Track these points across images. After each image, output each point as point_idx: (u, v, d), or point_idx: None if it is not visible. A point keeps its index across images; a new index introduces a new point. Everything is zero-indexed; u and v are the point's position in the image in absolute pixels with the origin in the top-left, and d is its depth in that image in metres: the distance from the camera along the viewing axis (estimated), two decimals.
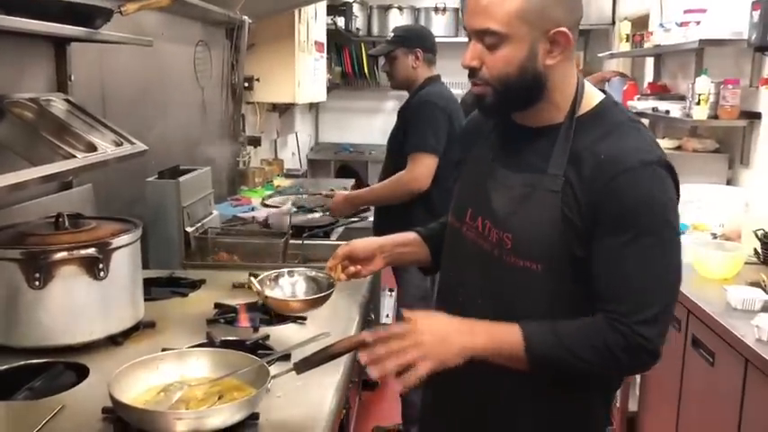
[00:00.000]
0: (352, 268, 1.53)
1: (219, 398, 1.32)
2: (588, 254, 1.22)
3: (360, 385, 3.10)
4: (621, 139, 1.23)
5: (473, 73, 1.26)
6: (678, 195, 1.26)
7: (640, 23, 4.53)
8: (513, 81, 1.24)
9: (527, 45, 1.22)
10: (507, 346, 1.21)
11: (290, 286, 1.65)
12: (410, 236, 1.59)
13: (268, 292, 1.60)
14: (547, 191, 1.24)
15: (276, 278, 1.66)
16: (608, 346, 1.18)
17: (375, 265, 1.54)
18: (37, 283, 1.52)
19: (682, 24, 3.53)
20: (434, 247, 1.54)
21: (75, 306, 1.57)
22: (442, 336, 1.20)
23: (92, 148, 1.75)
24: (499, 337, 1.22)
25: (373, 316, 2.97)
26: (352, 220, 3.14)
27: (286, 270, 1.69)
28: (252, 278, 1.63)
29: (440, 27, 6.57)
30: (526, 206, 1.26)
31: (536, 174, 1.26)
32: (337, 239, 2.85)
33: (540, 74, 1.24)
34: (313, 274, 1.66)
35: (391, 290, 4.17)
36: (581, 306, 1.23)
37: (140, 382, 1.35)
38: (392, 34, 3.09)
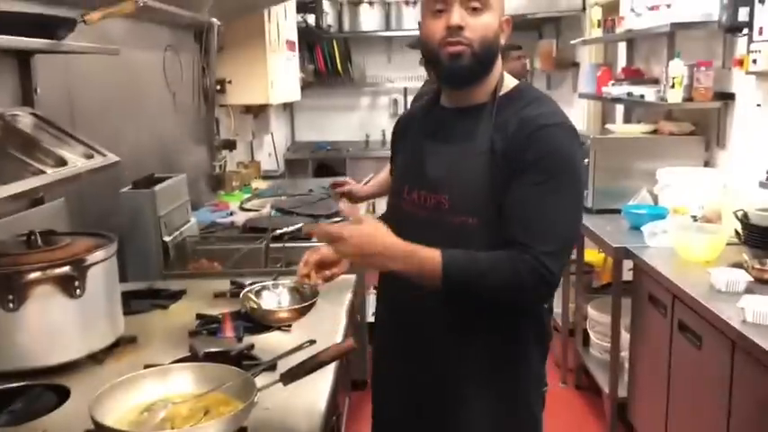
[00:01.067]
0: (327, 272, 1.57)
1: (205, 414, 1.28)
2: None
3: (348, 386, 3.08)
4: (540, 106, 1.45)
5: (455, 33, 1.41)
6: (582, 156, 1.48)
7: (611, 8, 4.52)
8: (488, 45, 1.43)
9: (497, 19, 1.45)
10: (427, 262, 1.35)
11: (275, 297, 1.64)
12: None
13: (257, 304, 1.62)
14: (475, 153, 1.43)
15: (259, 291, 1.66)
16: (516, 270, 1.34)
17: (343, 266, 1.60)
18: (11, 304, 1.48)
19: (652, 8, 3.53)
20: None
21: (52, 326, 1.53)
22: (367, 252, 1.35)
23: (62, 162, 1.71)
24: (418, 254, 1.35)
25: (359, 318, 2.95)
26: (334, 219, 3.10)
27: (270, 283, 1.71)
28: (246, 294, 1.65)
29: (411, 20, 6.55)
30: (457, 170, 1.44)
31: (465, 143, 1.46)
32: (318, 241, 2.82)
33: (498, 49, 1.46)
34: (294, 284, 1.67)
35: (376, 287, 4.15)
36: None
37: (123, 402, 1.31)
38: None
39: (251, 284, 1.72)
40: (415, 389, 1.53)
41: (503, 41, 1.47)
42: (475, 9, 1.41)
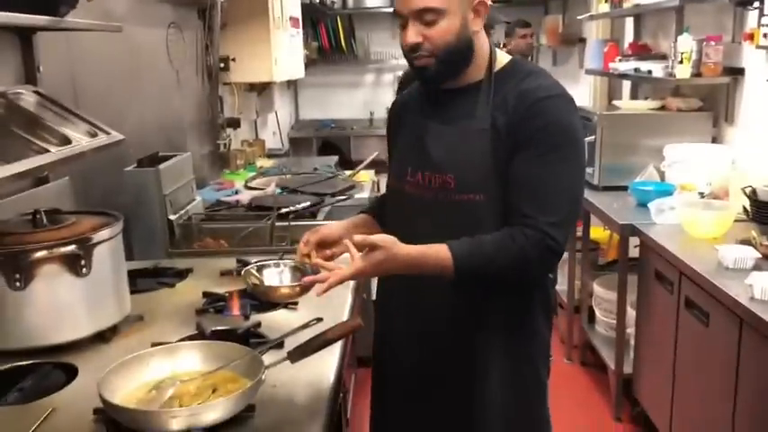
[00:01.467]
0: (328, 251, 1.58)
1: (213, 391, 1.29)
2: None
3: (355, 363, 3.09)
4: (537, 79, 1.47)
5: (414, 49, 1.43)
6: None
7: None
8: (452, 49, 1.43)
9: (460, 16, 1.43)
10: (438, 266, 1.37)
11: (276, 275, 1.64)
12: (364, 217, 1.72)
13: (259, 280, 1.61)
14: (477, 131, 1.44)
15: (260, 269, 1.65)
16: (521, 246, 1.36)
17: (343, 246, 1.59)
18: (18, 283, 1.48)
19: None
20: (382, 223, 1.67)
21: (59, 305, 1.53)
22: (385, 271, 1.38)
23: (66, 140, 1.70)
24: (431, 262, 1.37)
25: (365, 296, 2.96)
26: (339, 198, 3.09)
27: (272, 261, 1.70)
28: (248, 270, 1.64)
29: None
30: (461, 149, 1.45)
31: (465, 121, 1.46)
32: (324, 219, 2.81)
33: (470, 40, 1.46)
34: (296, 264, 1.64)
35: None
36: None
37: (131, 379, 1.32)
38: None
39: (256, 263, 1.72)
40: (429, 362, 1.54)
41: (477, 27, 1.46)
42: (429, 21, 1.41)
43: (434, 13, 1.40)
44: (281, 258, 1.74)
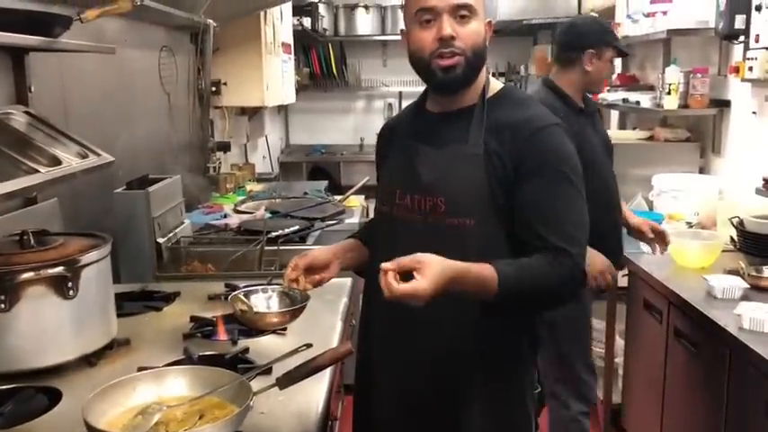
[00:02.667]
0: (316, 276, 1.57)
1: (200, 417, 1.27)
2: (510, 203, 1.41)
3: (342, 390, 3.06)
4: (530, 108, 1.49)
5: (448, 44, 1.41)
6: None
7: (607, 15, 4.52)
8: (480, 52, 1.44)
9: (483, 24, 1.45)
10: (481, 284, 1.33)
11: (264, 300, 1.62)
12: (352, 242, 1.70)
13: (248, 306, 1.59)
14: (470, 155, 1.43)
15: (248, 294, 1.63)
16: (559, 274, 1.36)
17: (332, 271, 1.60)
18: (3, 305, 1.45)
19: (648, 15, 3.54)
20: (369, 248, 1.65)
21: (44, 327, 1.51)
22: (442, 289, 1.29)
23: (56, 161, 1.69)
24: (473, 278, 1.33)
25: (354, 322, 2.93)
26: (329, 222, 3.09)
27: (260, 287, 1.67)
28: (235, 296, 1.61)
29: None
30: (453, 172, 1.44)
31: (458, 145, 1.45)
32: (313, 243, 2.80)
33: (485, 53, 1.47)
34: (284, 289, 1.62)
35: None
36: (504, 255, 1.40)
37: (116, 405, 1.29)
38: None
39: (244, 288, 1.70)
40: (413, 390, 1.52)
41: (486, 44, 1.48)
42: (463, 17, 1.41)
43: (469, 10, 1.41)
44: (269, 283, 1.72)
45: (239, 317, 1.61)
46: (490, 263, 1.35)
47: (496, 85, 1.54)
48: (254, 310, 1.60)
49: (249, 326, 1.69)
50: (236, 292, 1.65)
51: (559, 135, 1.45)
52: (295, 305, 1.60)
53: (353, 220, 3.27)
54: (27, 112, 1.85)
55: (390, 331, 1.54)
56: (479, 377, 1.48)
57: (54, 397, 1.46)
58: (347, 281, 2.20)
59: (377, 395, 1.60)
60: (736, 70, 2.97)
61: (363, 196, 3.79)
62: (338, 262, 1.62)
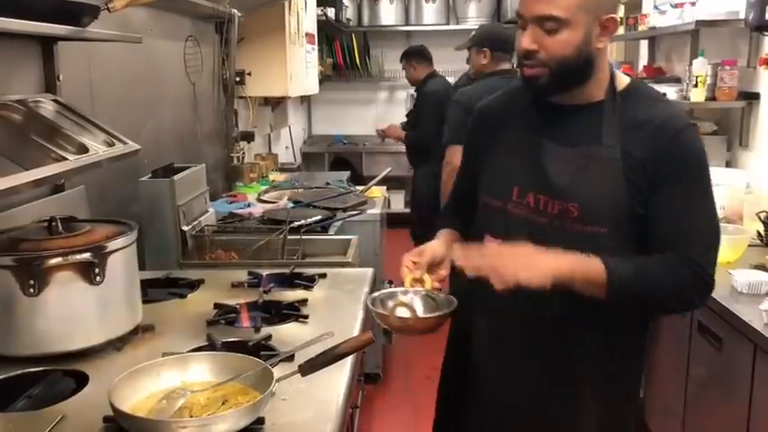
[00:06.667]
0: (442, 272, 1.51)
1: (223, 403, 1.29)
2: (647, 210, 1.36)
3: (362, 380, 3.08)
4: (666, 107, 1.41)
5: (528, 56, 1.37)
6: None
7: (634, 6, 4.47)
8: (568, 63, 1.35)
9: (583, 30, 1.34)
10: (591, 273, 1.32)
11: (420, 306, 1.52)
12: (452, 232, 1.64)
13: (412, 310, 1.50)
14: (606, 159, 1.36)
15: (384, 300, 1.53)
16: (682, 280, 1.34)
17: (447, 266, 1.51)
18: (32, 290, 1.48)
19: (676, 6, 3.49)
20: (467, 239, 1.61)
21: (71, 312, 1.53)
22: (530, 257, 1.32)
23: (83, 149, 1.71)
24: (583, 263, 1.33)
25: None
26: (351, 213, 3.10)
27: (398, 290, 1.55)
28: (397, 302, 1.52)
29: (430, 16, 6.52)
30: (587, 176, 1.37)
31: (591, 145, 1.38)
32: (335, 233, 2.82)
33: (592, 56, 1.37)
34: (424, 292, 1.52)
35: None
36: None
37: (141, 389, 1.31)
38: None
39: (378, 294, 1.55)
40: (520, 406, 1.50)
41: (601, 44, 1.38)
42: (549, 30, 1.34)
43: (556, 22, 1.32)
44: (291, 270, 1.68)
45: (392, 325, 1.49)
46: (601, 258, 1.33)
47: (624, 79, 1.45)
48: (418, 314, 1.50)
49: (405, 332, 1.56)
50: (373, 298, 1.53)
51: (695, 137, 1.39)
52: (440, 307, 1.49)
53: (375, 210, 3.27)
54: (55, 101, 1.88)
55: (504, 335, 1.50)
56: (598, 375, 1.46)
57: (81, 380, 1.48)
58: (368, 270, 2.21)
59: (474, 410, 1.57)
60: (767, 62, 2.92)
61: (385, 187, 3.79)
62: (451, 254, 1.52)
